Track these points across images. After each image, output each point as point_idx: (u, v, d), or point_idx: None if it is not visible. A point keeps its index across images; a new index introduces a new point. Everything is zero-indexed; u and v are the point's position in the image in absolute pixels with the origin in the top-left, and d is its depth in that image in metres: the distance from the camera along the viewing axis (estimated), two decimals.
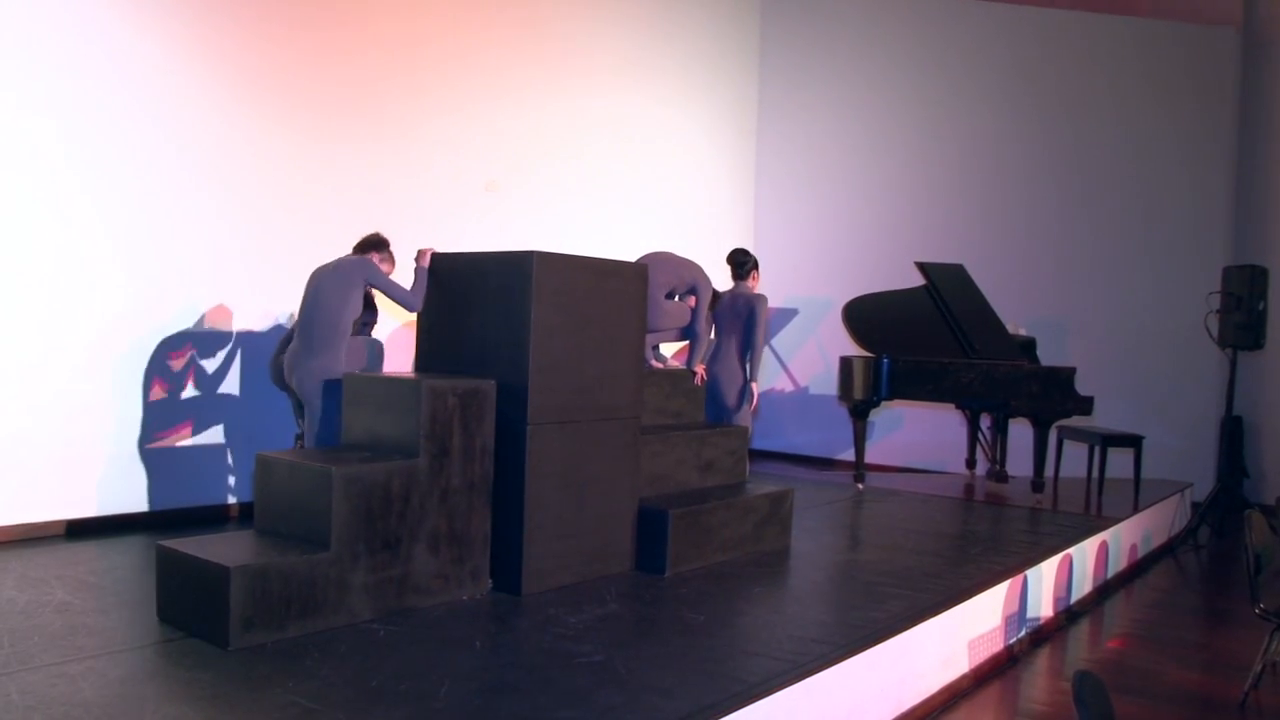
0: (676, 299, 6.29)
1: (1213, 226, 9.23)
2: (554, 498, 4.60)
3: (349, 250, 5.35)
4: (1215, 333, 8.07)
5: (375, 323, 5.82)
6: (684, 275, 6.24)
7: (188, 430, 6.00)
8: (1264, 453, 9.34)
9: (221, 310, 6.11)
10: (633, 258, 6.15)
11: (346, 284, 5.02)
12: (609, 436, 4.88)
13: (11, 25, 5.19)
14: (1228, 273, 8.02)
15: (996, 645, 5.00)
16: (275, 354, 5.76)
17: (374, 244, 5.32)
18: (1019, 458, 8.80)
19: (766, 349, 10.76)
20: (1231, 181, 9.31)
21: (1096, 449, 8.16)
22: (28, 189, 5.28)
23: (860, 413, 7.91)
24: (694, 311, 6.26)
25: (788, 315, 10.88)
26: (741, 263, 6.73)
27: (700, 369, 6.11)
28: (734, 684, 3.39)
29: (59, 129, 5.39)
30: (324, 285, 5.05)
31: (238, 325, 6.19)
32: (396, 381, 4.39)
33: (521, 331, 4.50)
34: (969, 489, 8.28)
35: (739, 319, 6.53)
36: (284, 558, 3.78)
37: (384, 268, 5.22)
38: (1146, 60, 9.39)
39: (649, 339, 6.05)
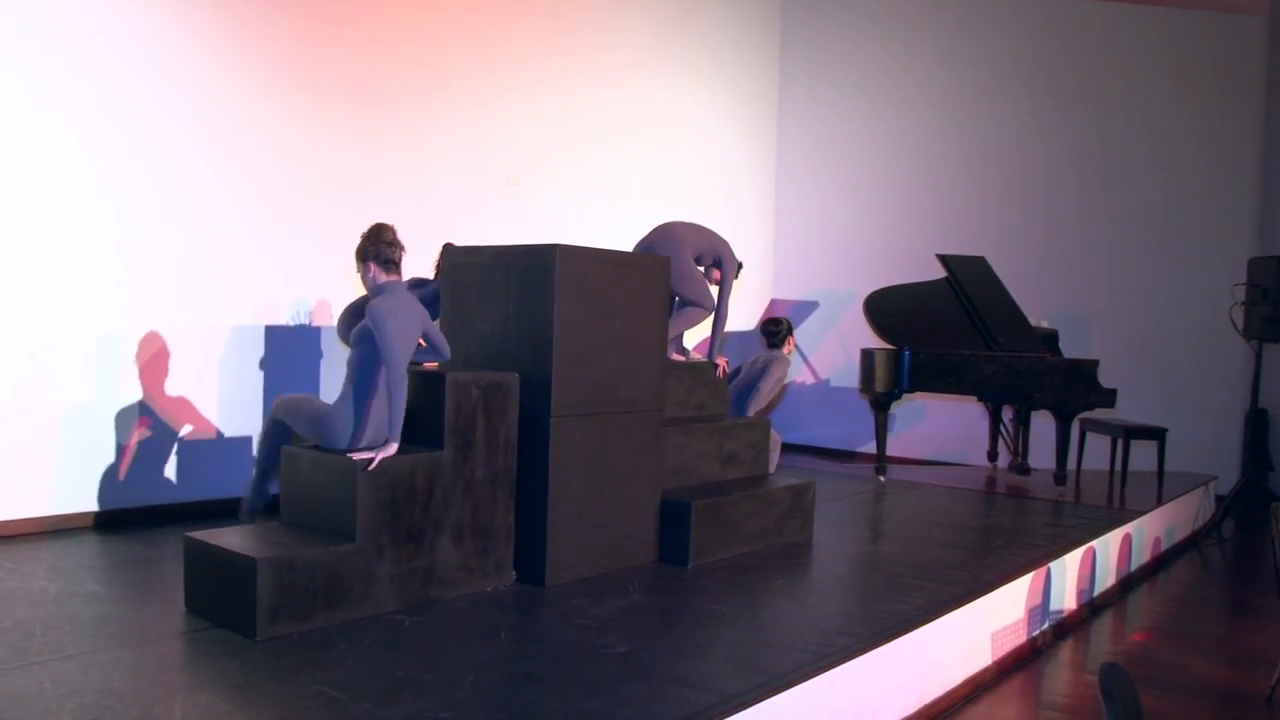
0: (702, 270, 6.25)
1: (1238, 217, 9.14)
2: (577, 490, 4.62)
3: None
4: (1240, 325, 8.00)
5: None
6: (713, 244, 6.21)
7: (214, 423, 6.05)
8: None
9: (248, 304, 6.15)
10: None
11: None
12: (632, 429, 4.90)
13: (25, 19, 5.24)
14: (1253, 264, 7.94)
15: (1019, 638, 4.99)
16: None
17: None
18: (1041, 450, 8.75)
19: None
20: (1258, 172, 9.21)
21: (1119, 441, 8.11)
22: (53, 184, 5.33)
23: (882, 405, 7.89)
24: (719, 289, 6.26)
25: (809, 308, 10.86)
26: (773, 333, 6.96)
27: (722, 361, 6.10)
28: (758, 675, 3.40)
29: (75, 124, 5.43)
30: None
31: (264, 319, 6.24)
32: (421, 374, 4.41)
33: (544, 325, 4.51)
34: (991, 482, 8.25)
35: (754, 373, 6.87)
36: (310, 549, 3.81)
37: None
38: (1171, 50, 9.30)
39: (672, 321, 6.01)
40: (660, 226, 6.16)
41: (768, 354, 6.97)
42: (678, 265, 5.90)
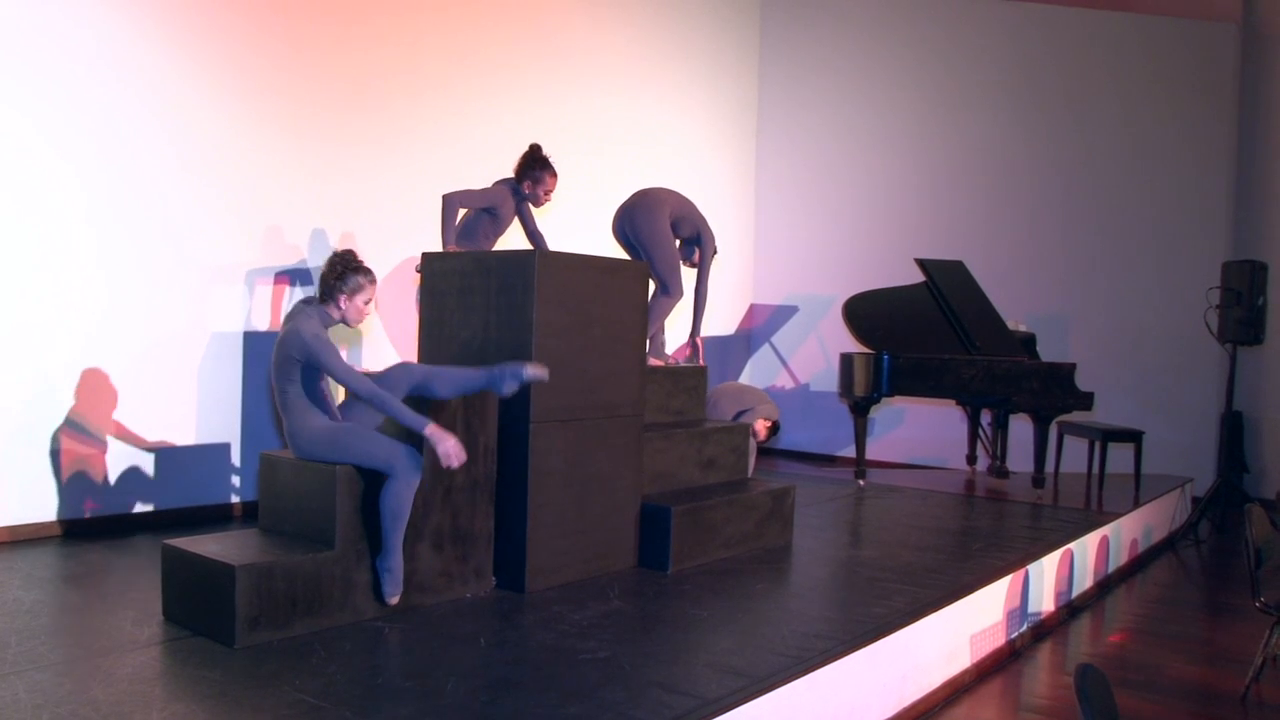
0: (678, 244, 6.24)
1: (1213, 221, 9.24)
2: (557, 495, 4.62)
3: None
4: (1215, 328, 8.08)
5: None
6: (693, 215, 6.24)
7: (191, 429, 6.01)
8: (1264, 447, 9.35)
9: (224, 309, 6.12)
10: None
11: None
12: (612, 434, 4.90)
13: (8, 25, 5.21)
14: (1227, 268, 8.02)
15: (998, 640, 5.02)
16: None
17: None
18: (1020, 453, 8.82)
19: (767, 349, 10.86)
20: (1231, 177, 9.32)
21: (1097, 444, 8.17)
22: (29, 189, 5.29)
23: (861, 409, 7.93)
24: (698, 271, 6.26)
25: (788, 313, 10.90)
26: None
27: (699, 341, 6.10)
28: (738, 679, 3.41)
29: (60, 129, 5.40)
30: None
31: (241, 324, 6.21)
32: None
33: (524, 330, 4.51)
34: (970, 485, 8.29)
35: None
36: (289, 556, 3.79)
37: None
38: (1147, 56, 9.40)
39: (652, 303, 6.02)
40: (641, 190, 6.21)
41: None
42: (653, 224, 5.92)
